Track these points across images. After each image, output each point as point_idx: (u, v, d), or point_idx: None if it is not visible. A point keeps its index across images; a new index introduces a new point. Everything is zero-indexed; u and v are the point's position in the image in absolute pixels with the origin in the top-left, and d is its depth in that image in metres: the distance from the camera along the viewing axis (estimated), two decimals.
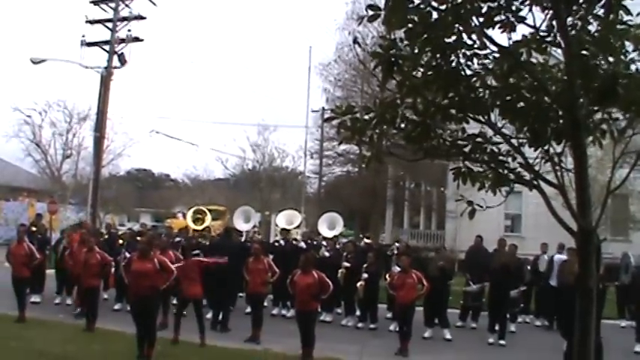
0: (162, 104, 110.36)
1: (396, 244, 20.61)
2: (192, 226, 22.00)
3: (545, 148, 6.57)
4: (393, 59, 6.07)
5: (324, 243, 19.67)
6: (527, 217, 33.59)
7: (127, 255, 16.72)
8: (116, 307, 17.56)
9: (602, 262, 14.19)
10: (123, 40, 31.24)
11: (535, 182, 6.48)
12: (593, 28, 6.03)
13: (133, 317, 12.90)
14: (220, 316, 16.42)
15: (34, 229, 19.60)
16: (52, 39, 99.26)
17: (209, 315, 16.92)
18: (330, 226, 21.09)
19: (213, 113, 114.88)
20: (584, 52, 6.01)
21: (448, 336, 16.74)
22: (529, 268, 19.35)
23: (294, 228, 21.84)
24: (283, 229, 20.90)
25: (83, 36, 31.64)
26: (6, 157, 53.07)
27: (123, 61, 31.22)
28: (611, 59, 6.07)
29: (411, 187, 42.81)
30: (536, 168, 6.52)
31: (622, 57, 6.10)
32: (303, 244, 19.86)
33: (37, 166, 48.04)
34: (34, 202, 40.33)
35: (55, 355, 12.07)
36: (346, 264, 17.94)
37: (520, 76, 6.26)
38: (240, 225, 20.90)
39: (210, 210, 25.26)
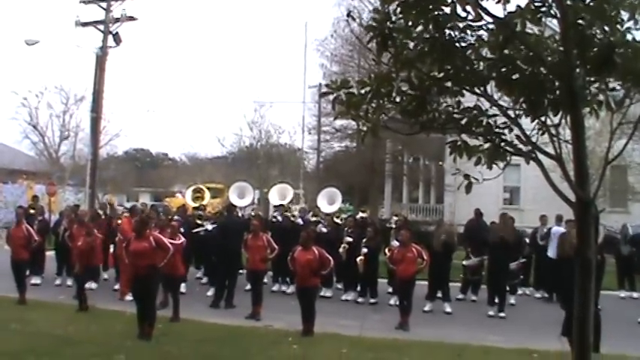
0: (158, 83, 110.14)
1: (394, 218, 20.60)
2: (191, 204, 22.01)
3: (542, 119, 6.53)
4: (387, 32, 6.02)
5: (321, 219, 19.67)
6: (525, 189, 33.55)
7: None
8: (116, 287, 17.57)
9: (600, 233, 14.27)
10: (117, 20, 31.04)
11: (532, 154, 6.45)
12: None
13: (132, 296, 12.96)
14: (223, 293, 16.42)
15: (32, 211, 19.59)
16: (47, 20, 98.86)
17: (210, 292, 16.96)
18: (330, 201, 21.05)
19: (210, 91, 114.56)
20: (579, 21, 5.95)
21: (448, 309, 16.79)
22: (527, 240, 19.35)
23: (290, 203, 21.77)
24: (280, 205, 20.86)
25: (77, 16, 31.50)
26: (3, 140, 53.04)
27: (118, 40, 31.06)
28: (607, 29, 6.01)
29: (409, 162, 42.73)
30: (534, 139, 6.48)
31: (618, 26, 6.04)
32: (300, 221, 19.83)
33: (35, 148, 48.06)
34: (32, 185, 40.23)
35: (56, 336, 12.09)
36: (348, 239, 17.93)
37: (516, 48, 6.20)
38: (236, 200, 20.85)
39: (208, 188, 25.28)
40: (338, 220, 19.77)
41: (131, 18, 31.24)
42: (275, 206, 21.58)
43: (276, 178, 45.89)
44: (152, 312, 12.34)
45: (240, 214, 19.58)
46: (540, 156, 6.46)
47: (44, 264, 19.21)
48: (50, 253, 19.63)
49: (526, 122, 6.57)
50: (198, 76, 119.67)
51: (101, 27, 31.14)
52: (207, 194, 22.82)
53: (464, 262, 18.66)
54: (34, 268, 18.29)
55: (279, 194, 22.06)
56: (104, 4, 31.21)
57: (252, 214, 20.94)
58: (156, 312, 12.57)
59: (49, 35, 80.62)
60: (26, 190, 39.47)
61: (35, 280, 18.41)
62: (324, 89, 6.70)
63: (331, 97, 6.50)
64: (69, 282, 18.25)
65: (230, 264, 16.76)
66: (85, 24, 31.46)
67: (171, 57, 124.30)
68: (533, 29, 6.29)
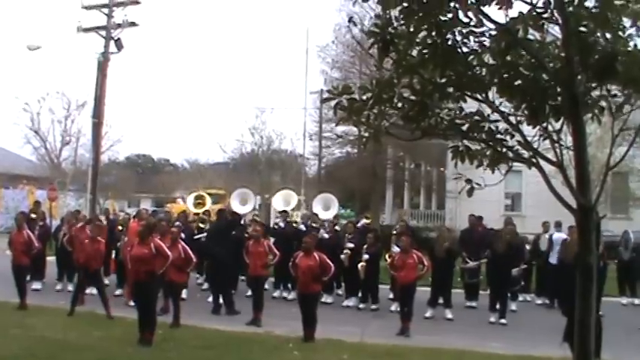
0: (160, 89, 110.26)
1: (400, 224, 20.55)
2: (193, 210, 22.01)
3: (544, 125, 6.53)
4: (388, 38, 6.03)
5: (324, 224, 19.64)
6: (527, 195, 33.55)
7: (126, 240, 16.80)
8: (117, 292, 17.56)
9: (602, 239, 14.25)
10: (119, 26, 31.06)
11: (534, 160, 6.45)
12: (590, 3, 5.97)
13: (133, 302, 12.97)
14: (221, 300, 16.39)
15: (33, 216, 19.57)
16: (49, 26, 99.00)
17: (211, 299, 16.93)
18: (325, 207, 21.02)
19: (212, 97, 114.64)
20: (582, 28, 5.96)
21: (450, 316, 16.77)
22: (528, 247, 19.33)
23: (292, 209, 21.73)
24: (282, 211, 20.86)
25: (79, 22, 31.53)
26: (5, 145, 53.08)
27: (120, 46, 31.08)
28: (608, 35, 6.02)
29: (410, 168, 42.79)
30: (535, 146, 6.49)
31: (620, 33, 6.05)
32: (303, 227, 19.82)
33: (37, 153, 47.99)
34: (34, 190, 40.26)
35: (57, 341, 12.08)
36: (350, 245, 17.91)
37: (517, 54, 6.21)
38: (237, 207, 20.82)
39: (210, 194, 25.28)
40: (337, 227, 19.74)
41: (133, 24, 31.27)
42: (279, 212, 21.55)
43: (277, 184, 45.92)
44: (152, 318, 12.33)
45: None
46: (542, 162, 6.46)
47: (45, 269, 19.19)
48: (51, 259, 19.61)
49: (527, 128, 6.58)
50: (199, 82, 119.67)
51: (103, 33, 31.14)
52: (209, 200, 22.80)
53: (461, 266, 18.62)
54: (34, 274, 18.28)
55: (284, 200, 22.05)
56: (106, 10, 31.22)
57: (253, 219, 20.89)
58: (156, 318, 12.55)
59: (51, 41, 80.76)
60: (27, 195, 39.51)
61: (36, 285, 18.39)
62: (326, 95, 6.69)
63: (333, 102, 6.51)
64: (70, 287, 18.21)
65: (220, 268, 16.70)
66: (86, 30, 31.48)
67: (173, 63, 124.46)
68: (535, 35, 6.29)
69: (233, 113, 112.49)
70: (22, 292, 15.58)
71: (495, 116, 6.52)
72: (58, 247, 19.22)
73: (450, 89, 6.38)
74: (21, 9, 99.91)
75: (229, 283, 16.92)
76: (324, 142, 45.67)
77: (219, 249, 16.64)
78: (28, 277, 16.95)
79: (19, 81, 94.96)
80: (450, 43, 6.11)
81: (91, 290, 16.35)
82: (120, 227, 18.71)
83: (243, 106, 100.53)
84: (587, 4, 5.98)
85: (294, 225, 20.04)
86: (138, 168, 76.67)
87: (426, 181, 44.03)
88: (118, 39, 30.99)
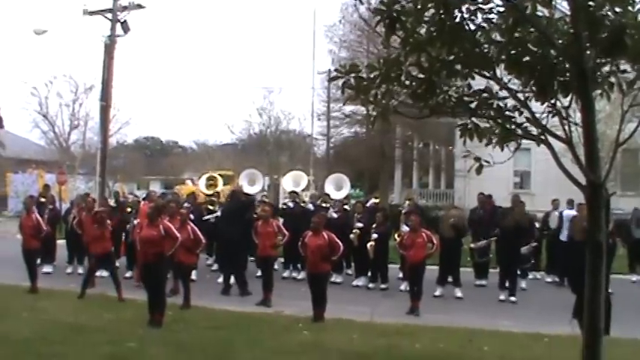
0: (167, 71, 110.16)
1: (407, 202, 20.52)
2: (204, 191, 22.00)
3: (553, 101, 6.49)
4: (395, 15, 5.99)
5: (334, 204, 19.61)
6: (536, 173, 33.47)
7: (135, 223, 16.81)
8: (127, 274, 17.60)
9: (611, 217, 14.20)
10: (125, 8, 30.94)
11: (543, 137, 6.42)
12: None
13: (143, 283, 13.00)
14: (232, 281, 16.42)
15: (42, 200, 19.61)
16: (55, 9, 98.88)
17: (221, 279, 16.95)
18: (337, 187, 21.03)
19: (219, 78, 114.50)
20: (590, 2, 5.90)
21: (459, 294, 16.77)
22: (537, 224, 19.28)
23: (302, 190, 21.70)
24: (292, 192, 20.86)
25: (85, 5, 31.44)
26: (14, 129, 53.15)
27: (126, 28, 30.95)
28: (617, 10, 5.96)
29: (419, 147, 42.73)
30: (544, 122, 6.45)
31: (629, 7, 5.99)
32: (311, 207, 19.80)
33: (45, 137, 48.23)
34: (43, 174, 40.34)
35: (68, 324, 12.11)
36: (359, 224, 17.92)
37: (526, 30, 6.16)
38: (246, 188, 20.80)
39: (220, 175, 25.28)
40: (346, 207, 19.72)
41: (139, 6, 31.10)
42: (288, 193, 21.54)
43: (285, 164, 45.93)
44: (161, 299, 12.37)
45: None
46: (551, 139, 6.42)
47: (55, 253, 19.25)
48: (61, 242, 19.68)
49: (536, 105, 6.54)
50: (206, 63, 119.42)
51: (109, 15, 31.01)
52: (220, 181, 22.79)
53: (471, 245, 18.58)
54: (45, 257, 18.34)
55: (294, 181, 22.04)
56: None
57: (262, 200, 20.88)
58: (165, 299, 12.59)
59: (57, 24, 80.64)
60: (37, 179, 39.59)
61: (46, 268, 18.46)
62: (334, 74, 6.66)
63: (340, 81, 6.48)
64: (80, 270, 18.30)
65: (232, 249, 16.72)
66: (92, 12, 31.33)
67: (180, 44, 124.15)
68: (543, 11, 6.24)
69: (241, 94, 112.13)
70: (33, 275, 15.65)
71: (504, 93, 6.49)
72: (68, 230, 19.26)
73: (458, 66, 6.35)
74: None
75: (241, 263, 16.89)
76: (333, 121, 45.61)
77: (232, 229, 16.63)
78: (38, 261, 17.01)
79: (26, 65, 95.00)
80: (457, 20, 6.07)
81: (101, 273, 16.40)
82: (129, 209, 18.73)
83: (251, 86, 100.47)
84: None
85: (302, 205, 20.01)
86: (146, 150, 76.70)
87: (434, 161, 43.98)
88: (125, 21, 30.84)
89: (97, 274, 16.17)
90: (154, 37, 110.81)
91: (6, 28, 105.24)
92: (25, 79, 60.29)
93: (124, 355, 10.16)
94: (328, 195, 20.78)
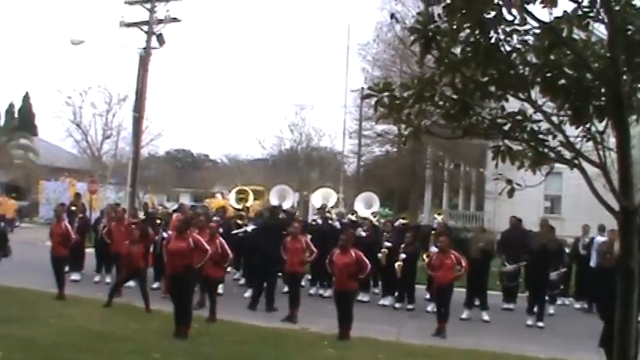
0: (200, 84, 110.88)
1: (437, 216, 20.44)
2: (234, 205, 22.01)
3: (587, 126, 6.43)
4: (430, 35, 5.97)
5: (360, 223, 19.56)
6: (567, 198, 33.14)
7: (165, 235, 16.89)
8: (154, 285, 17.68)
9: None
10: (161, 21, 31.24)
11: (576, 161, 6.36)
12: (637, 2, 5.86)
13: (170, 295, 13.05)
14: (260, 295, 16.40)
15: (73, 208, 19.80)
16: (92, 21, 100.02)
17: (248, 294, 16.96)
18: (367, 205, 21.00)
19: (252, 93, 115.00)
20: (628, 26, 5.85)
21: (486, 317, 16.65)
22: (568, 250, 19.09)
23: (332, 207, 21.66)
24: (320, 209, 20.83)
25: (122, 17, 31.78)
26: (47, 137, 53.78)
27: (161, 41, 31.24)
28: None
29: (450, 168, 42.56)
30: (578, 147, 6.39)
31: None
32: (337, 224, 19.71)
33: (78, 146, 48.81)
34: (74, 182, 40.80)
35: (94, 332, 12.19)
36: (387, 244, 17.86)
37: (561, 52, 6.11)
38: (276, 204, 20.82)
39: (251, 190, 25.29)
40: (376, 222, 19.64)
41: (175, 19, 31.40)
42: (317, 209, 21.53)
43: (315, 181, 45.97)
44: (188, 311, 12.40)
45: (281, 216, 19.40)
46: (584, 164, 6.36)
47: (84, 261, 19.43)
48: (90, 251, 19.84)
49: (570, 129, 6.48)
50: (240, 77, 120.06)
51: (145, 28, 31.34)
52: (251, 196, 22.80)
53: (501, 269, 18.43)
54: (73, 265, 18.52)
55: (323, 198, 22.04)
56: (148, 5, 31.39)
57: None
58: (192, 311, 12.63)
59: (94, 35, 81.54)
60: (68, 187, 40.02)
61: (75, 276, 18.63)
62: (367, 92, 6.65)
63: (373, 100, 6.46)
64: (108, 279, 18.43)
65: (268, 265, 16.70)
66: (129, 25, 31.69)
67: (214, 58, 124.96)
68: (580, 34, 6.19)
69: (273, 110, 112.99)
70: (61, 282, 15.78)
71: (538, 116, 6.43)
72: (98, 239, 19.42)
73: (492, 88, 6.30)
74: (65, 3, 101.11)
75: (273, 279, 16.84)
76: (364, 140, 45.65)
77: (270, 245, 16.54)
78: (67, 268, 17.16)
79: (62, 75, 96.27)
80: (492, 41, 6.03)
81: (129, 283, 16.49)
82: (158, 221, 18.82)
83: (283, 102, 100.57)
84: (633, 2, 5.88)
85: (330, 222, 19.99)
86: (177, 162, 77.16)
87: (465, 182, 43.77)
88: (160, 34, 31.15)
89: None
90: (188, 50, 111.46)
91: (44, 37, 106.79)
92: (60, 88, 61.03)
93: None
94: (356, 212, 20.75)
